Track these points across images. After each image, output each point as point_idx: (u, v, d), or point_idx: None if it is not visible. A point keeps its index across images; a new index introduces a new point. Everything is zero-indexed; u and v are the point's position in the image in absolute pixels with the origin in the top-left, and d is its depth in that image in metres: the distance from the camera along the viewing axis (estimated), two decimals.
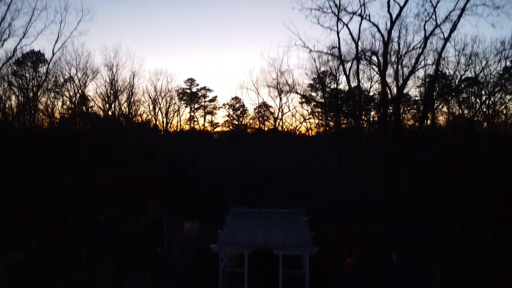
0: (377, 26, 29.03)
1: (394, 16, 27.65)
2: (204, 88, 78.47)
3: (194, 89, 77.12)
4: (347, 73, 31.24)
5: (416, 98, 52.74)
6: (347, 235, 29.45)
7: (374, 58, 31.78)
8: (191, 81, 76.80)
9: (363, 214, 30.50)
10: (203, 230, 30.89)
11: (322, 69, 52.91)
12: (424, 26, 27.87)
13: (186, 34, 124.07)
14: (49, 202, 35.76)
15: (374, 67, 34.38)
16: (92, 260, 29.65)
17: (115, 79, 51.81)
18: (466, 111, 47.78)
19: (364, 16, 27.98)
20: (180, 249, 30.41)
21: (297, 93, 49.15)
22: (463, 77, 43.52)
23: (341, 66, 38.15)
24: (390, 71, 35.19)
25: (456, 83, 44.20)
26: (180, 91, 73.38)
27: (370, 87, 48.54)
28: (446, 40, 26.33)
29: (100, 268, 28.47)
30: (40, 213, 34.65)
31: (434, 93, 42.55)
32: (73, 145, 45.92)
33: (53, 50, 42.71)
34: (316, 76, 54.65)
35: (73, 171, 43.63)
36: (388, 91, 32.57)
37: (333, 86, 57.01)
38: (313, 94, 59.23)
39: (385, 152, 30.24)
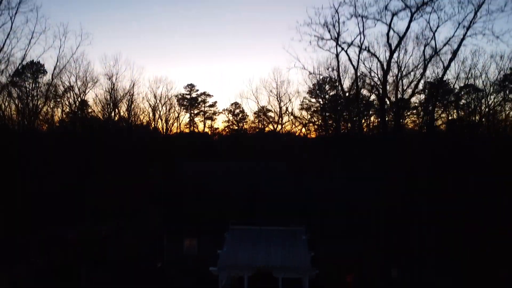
0: (376, 56, 29.21)
1: (393, 45, 27.59)
2: (204, 93, 78.33)
3: (194, 95, 77.00)
4: (346, 96, 31.25)
5: (416, 104, 53.10)
6: (347, 251, 29.43)
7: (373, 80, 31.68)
8: (190, 86, 76.56)
9: (363, 228, 30.50)
10: (203, 242, 30.90)
11: (323, 75, 52.97)
12: (424, 50, 27.85)
13: (186, 42, 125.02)
14: (48, 215, 35.80)
15: (373, 84, 34.27)
16: (92, 275, 29.67)
17: (115, 88, 51.88)
18: (465, 118, 48.02)
19: (363, 47, 27.97)
20: (180, 264, 30.40)
21: (295, 117, 49.53)
22: (462, 85, 43.75)
23: (343, 77, 38.06)
24: (391, 84, 35.17)
25: (456, 90, 44.46)
26: (180, 96, 73.32)
27: (370, 96, 48.67)
28: (446, 68, 26.40)
29: (100, 283, 28.53)
30: (40, 228, 34.71)
31: (434, 99, 42.56)
32: (71, 150, 45.79)
33: (52, 74, 42.63)
34: (315, 83, 54.77)
35: (72, 178, 43.53)
36: (388, 102, 32.47)
37: (332, 93, 57.25)
38: (313, 100, 59.46)
39: (386, 159, 30.07)
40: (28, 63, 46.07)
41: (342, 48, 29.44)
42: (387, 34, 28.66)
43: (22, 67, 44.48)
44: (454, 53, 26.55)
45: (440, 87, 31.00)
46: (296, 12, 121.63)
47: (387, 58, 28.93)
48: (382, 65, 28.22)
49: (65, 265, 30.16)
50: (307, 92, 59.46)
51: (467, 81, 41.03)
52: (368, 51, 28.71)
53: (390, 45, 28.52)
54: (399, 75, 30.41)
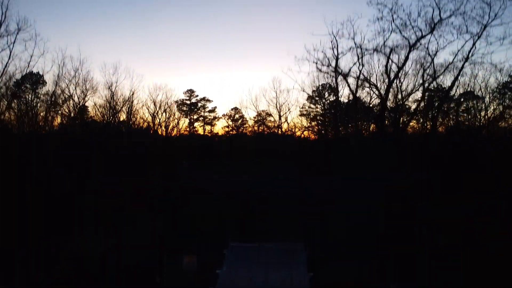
0: (375, 86, 28.91)
1: (392, 76, 27.38)
2: (204, 98, 77.82)
3: (193, 100, 76.47)
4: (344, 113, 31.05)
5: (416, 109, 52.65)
6: (347, 267, 29.25)
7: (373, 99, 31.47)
8: (190, 92, 76.07)
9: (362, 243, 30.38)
10: (204, 253, 30.77)
11: (322, 82, 52.99)
12: (423, 75, 27.66)
13: (185, 49, 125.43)
14: (48, 224, 35.68)
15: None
16: None
17: (114, 98, 51.90)
18: (466, 122, 48.00)
19: (361, 77, 27.80)
20: (180, 278, 30.25)
21: (295, 134, 49.84)
22: (462, 92, 43.78)
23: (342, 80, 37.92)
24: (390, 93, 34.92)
25: (456, 96, 44.42)
26: (179, 102, 73.04)
27: (370, 102, 48.50)
28: (445, 96, 26.12)
29: None
30: (40, 237, 34.57)
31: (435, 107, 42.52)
32: (70, 153, 45.68)
33: (51, 98, 42.81)
34: (315, 89, 54.73)
35: (72, 183, 43.37)
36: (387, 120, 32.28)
37: (331, 98, 56.91)
38: (312, 106, 59.30)
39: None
40: (28, 73, 45.85)
41: (340, 74, 29.38)
42: (386, 66, 28.57)
43: (21, 77, 44.46)
44: (453, 83, 26.60)
45: (440, 110, 30.83)
46: (296, 18, 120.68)
47: (386, 86, 28.84)
48: (380, 95, 28.00)
49: (64, 278, 29.97)
50: (306, 99, 59.45)
51: (467, 87, 41.17)
52: (367, 81, 28.66)
53: (388, 76, 28.47)
54: (399, 96, 30.25)
